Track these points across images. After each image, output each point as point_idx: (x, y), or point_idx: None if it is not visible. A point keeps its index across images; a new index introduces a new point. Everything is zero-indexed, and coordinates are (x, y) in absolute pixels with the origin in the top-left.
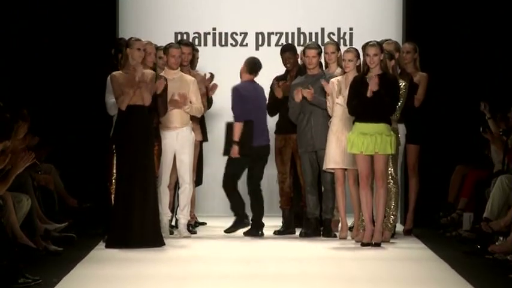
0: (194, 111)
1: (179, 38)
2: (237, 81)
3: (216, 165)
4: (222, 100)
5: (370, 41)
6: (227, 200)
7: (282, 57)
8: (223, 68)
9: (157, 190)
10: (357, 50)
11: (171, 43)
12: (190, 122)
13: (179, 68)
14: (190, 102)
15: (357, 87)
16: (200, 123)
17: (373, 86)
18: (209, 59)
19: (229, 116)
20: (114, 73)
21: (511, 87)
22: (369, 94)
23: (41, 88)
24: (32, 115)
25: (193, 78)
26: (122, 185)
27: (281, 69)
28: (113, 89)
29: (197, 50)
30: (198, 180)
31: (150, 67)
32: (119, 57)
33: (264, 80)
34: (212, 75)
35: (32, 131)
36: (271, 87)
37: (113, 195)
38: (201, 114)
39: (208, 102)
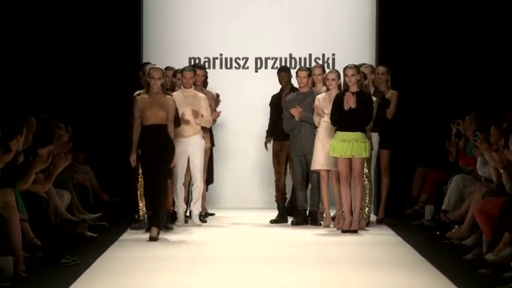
0: (204, 123)
1: (192, 62)
2: (240, 98)
3: (222, 166)
4: (227, 113)
5: (349, 64)
6: (232, 194)
7: (278, 76)
8: (228, 87)
9: (175, 187)
10: (338, 71)
11: (186, 66)
12: (201, 130)
13: (193, 87)
14: (202, 116)
15: (338, 103)
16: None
17: (351, 103)
18: (217, 79)
19: (232, 127)
20: (137, 97)
21: (463, 101)
22: (345, 108)
23: (81, 105)
24: (73, 127)
25: (204, 95)
26: (146, 184)
27: (276, 88)
28: (135, 109)
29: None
30: (210, 179)
31: (168, 86)
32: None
33: (262, 97)
34: (218, 95)
35: (72, 139)
36: (270, 105)
37: (138, 192)
38: (210, 125)
39: None
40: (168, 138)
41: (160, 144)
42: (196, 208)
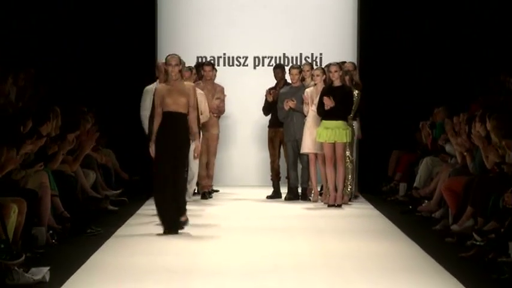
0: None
1: (200, 60)
2: (241, 91)
3: (226, 150)
4: (229, 105)
5: (332, 62)
6: (234, 174)
7: (273, 72)
8: (230, 82)
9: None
10: (323, 68)
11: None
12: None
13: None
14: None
15: (323, 98)
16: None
17: (329, 103)
18: (220, 76)
19: (234, 116)
20: (158, 86)
21: (433, 95)
22: (326, 108)
23: (104, 96)
24: (97, 115)
25: (201, 91)
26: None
27: (272, 82)
28: (155, 98)
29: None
30: None
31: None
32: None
33: (260, 90)
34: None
35: (96, 126)
36: (266, 96)
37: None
38: (207, 119)
39: None
40: (185, 128)
41: (176, 134)
42: (190, 187)
